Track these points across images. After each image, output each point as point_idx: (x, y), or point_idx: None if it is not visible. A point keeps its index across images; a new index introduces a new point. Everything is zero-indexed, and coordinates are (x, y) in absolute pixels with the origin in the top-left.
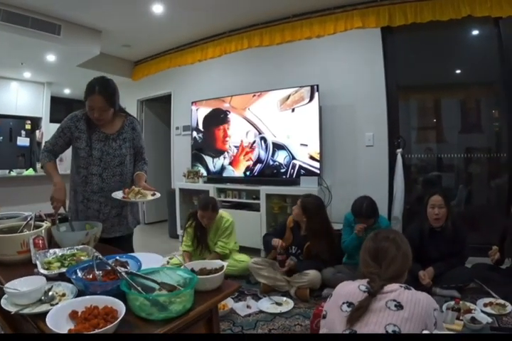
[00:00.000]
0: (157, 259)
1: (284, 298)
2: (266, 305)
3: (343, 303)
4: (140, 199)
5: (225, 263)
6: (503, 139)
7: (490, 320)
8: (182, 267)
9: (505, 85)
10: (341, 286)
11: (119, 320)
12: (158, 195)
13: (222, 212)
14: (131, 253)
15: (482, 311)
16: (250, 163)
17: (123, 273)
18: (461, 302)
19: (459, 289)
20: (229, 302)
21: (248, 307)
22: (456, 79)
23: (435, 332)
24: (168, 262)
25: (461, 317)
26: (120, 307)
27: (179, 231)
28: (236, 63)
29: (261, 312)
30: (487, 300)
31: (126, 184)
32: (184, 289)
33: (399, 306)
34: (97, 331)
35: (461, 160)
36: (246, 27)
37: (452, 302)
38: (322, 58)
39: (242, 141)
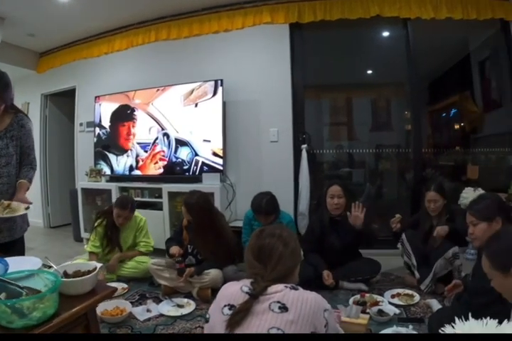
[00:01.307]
0: (34, 262)
1: (186, 300)
2: (167, 307)
3: (225, 306)
4: (7, 215)
5: (98, 265)
6: (411, 136)
7: (397, 311)
8: (52, 270)
9: (413, 86)
10: (225, 287)
11: None
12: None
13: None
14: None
15: (390, 303)
16: (154, 160)
17: None
18: (368, 295)
19: (366, 281)
20: (127, 307)
21: (148, 311)
22: (367, 79)
23: None
24: None
25: (367, 311)
26: None
27: (83, 234)
28: (142, 56)
29: (161, 315)
30: (394, 291)
31: (13, 186)
32: (42, 293)
33: (283, 308)
34: None
35: (371, 156)
36: (154, 19)
37: (358, 296)
38: (229, 53)
39: (145, 138)
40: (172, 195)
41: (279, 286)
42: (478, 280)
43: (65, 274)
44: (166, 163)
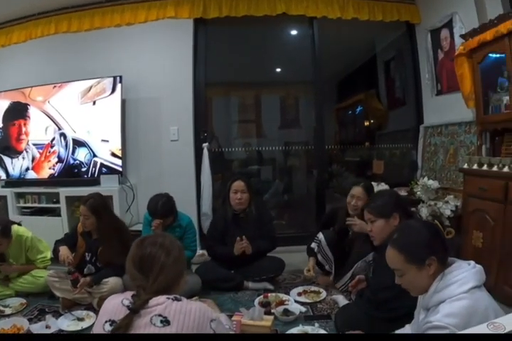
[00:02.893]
0: None
1: (85, 312)
2: (66, 322)
3: (106, 322)
4: None
5: None
6: (317, 134)
7: (304, 309)
8: None
9: (317, 85)
10: (107, 301)
11: None
12: None
13: (18, 229)
14: None
15: (296, 301)
16: (50, 162)
17: None
18: (273, 294)
19: (271, 280)
20: (25, 325)
21: (47, 327)
22: (275, 77)
23: None
24: None
25: (272, 311)
26: None
27: None
28: (42, 50)
29: (61, 331)
30: (301, 288)
31: None
32: None
33: (165, 321)
34: None
35: (280, 153)
36: (56, 10)
37: (262, 297)
38: (130, 48)
39: (41, 138)
40: (70, 200)
41: (161, 298)
42: (379, 277)
43: None
44: (63, 165)
